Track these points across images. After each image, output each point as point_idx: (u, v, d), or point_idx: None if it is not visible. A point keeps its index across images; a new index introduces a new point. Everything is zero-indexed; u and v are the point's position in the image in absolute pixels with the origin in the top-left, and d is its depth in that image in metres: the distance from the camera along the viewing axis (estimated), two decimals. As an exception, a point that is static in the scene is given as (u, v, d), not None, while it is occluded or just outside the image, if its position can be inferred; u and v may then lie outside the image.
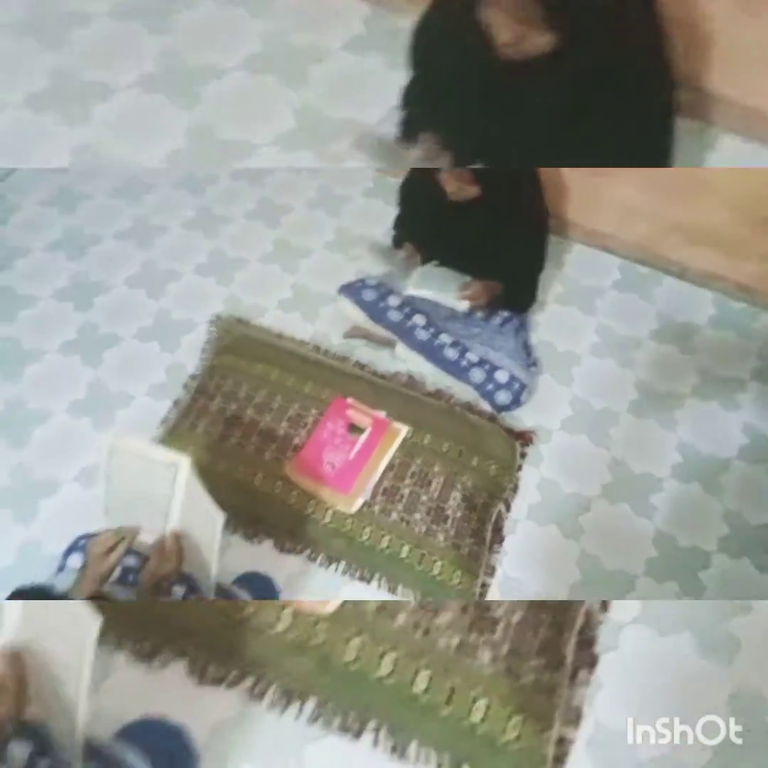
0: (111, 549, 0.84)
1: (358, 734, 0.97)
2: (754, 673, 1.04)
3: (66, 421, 1.34)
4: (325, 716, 0.97)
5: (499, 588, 1.16)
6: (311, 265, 1.59)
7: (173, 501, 0.85)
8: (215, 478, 1.16)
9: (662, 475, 1.30)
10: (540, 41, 0.80)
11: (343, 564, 1.14)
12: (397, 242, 1.36)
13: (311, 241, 1.64)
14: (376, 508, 1.15)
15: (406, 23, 1.02)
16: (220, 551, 0.91)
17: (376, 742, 0.96)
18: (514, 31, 0.79)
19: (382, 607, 1.05)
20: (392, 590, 1.13)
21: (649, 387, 1.42)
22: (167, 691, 1.01)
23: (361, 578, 1.14)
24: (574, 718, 0.98)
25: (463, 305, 1.26)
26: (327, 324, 1.48)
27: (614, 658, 1.05)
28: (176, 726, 0.91)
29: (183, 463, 0.83)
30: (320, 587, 1.14)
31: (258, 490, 1.16)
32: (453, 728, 0.96)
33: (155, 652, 1.02)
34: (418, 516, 1.14)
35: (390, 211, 1.50)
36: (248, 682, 1.00)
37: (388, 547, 1.12)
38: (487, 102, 0.90)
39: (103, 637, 0.69)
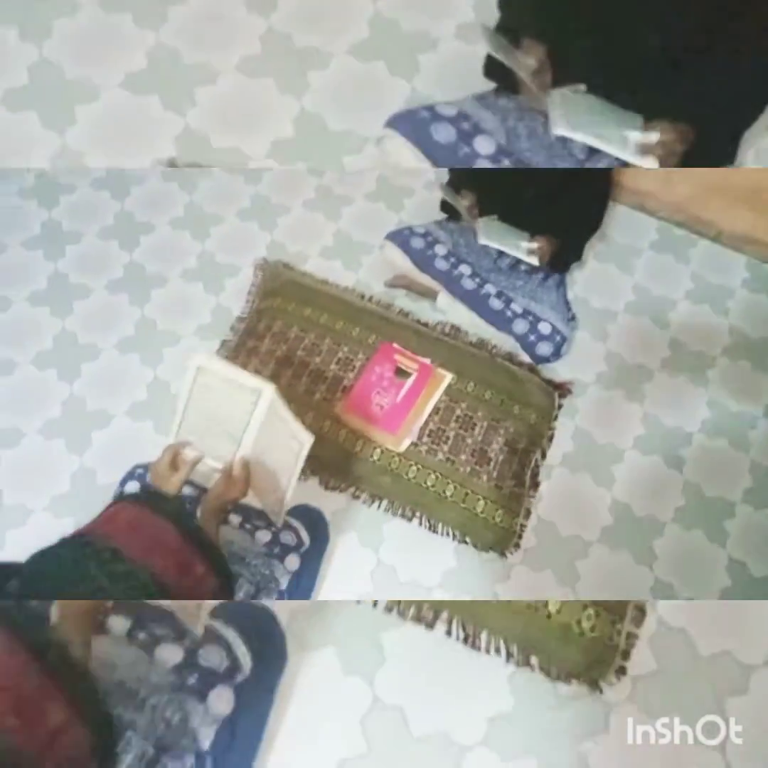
0: (174, 467, 0.86)
1: (431, 624, 1.06)
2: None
3: (115, 356, 1.38)
4: (401, 606, 1.06)
5: (534, 530, 1.22)
6: (353, 213, 1.60)
7: (249, 428, 0.88)
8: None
9: (692, 430, 1.35)
10: None
11: (385, 502, 1.20)
12: (454, 186, 1.33)
13: (351, 189, 1.64)
14: (423, 449, 1.19)
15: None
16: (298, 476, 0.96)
17: (449, 632, 1.05)
18: None
19: (430, 449, 1.21)
20: (433, 528, 1.19)
21: (681, 345, 1.46)
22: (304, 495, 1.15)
23: (403, 516, 1.20)
24: (639, 615, 1.08)
25: (534, 260, 1.26)
26: (368, 273, 1.51)
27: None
28: (267, 609, 0.97)
29: (266, 391, 0.86)
30: (362, 524, 1.20)
31: (309, 428, 1.20)
32: (530, 618, 1.04)
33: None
34: (463, 457, 1.19)
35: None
36: (352, 489, 1.19)
37: (433, 485, 1.17)
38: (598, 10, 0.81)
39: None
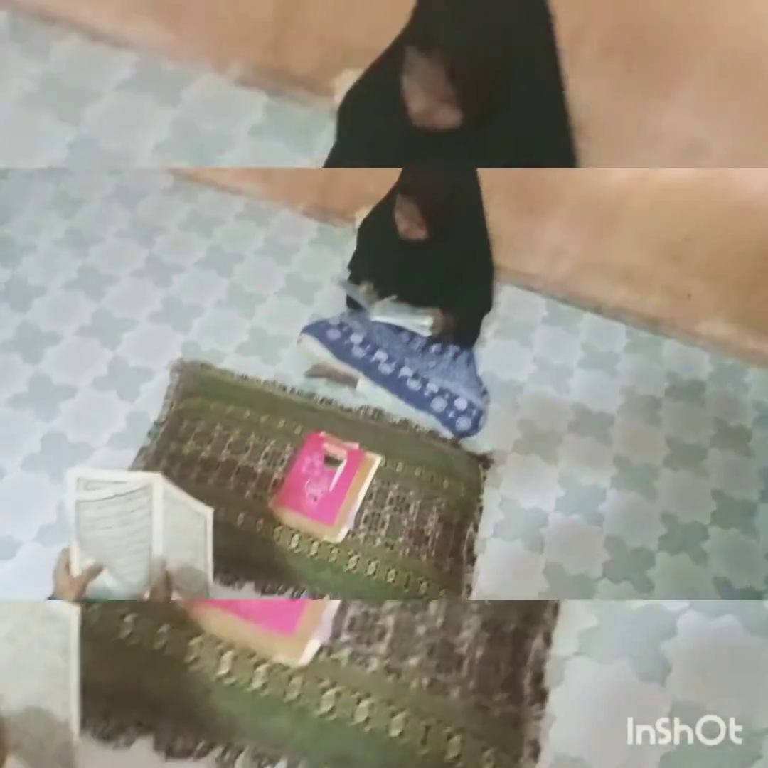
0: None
1: None
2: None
3: (21, 475, 1.29)
4: None
5: (477, 603, 1.23)
6: (266, 309, 1.65)
7: (153, 528, 0.83)
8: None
9: (605, 486, 1.45)
10: (450, 117, 0.81)
11: (326, 598, 1.17)
12: (354, 279, 1.44)
13: (262, 287, 1.69)
14: (361, 536, 1.19)
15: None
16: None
17: None
18: (425, 103, 0.80)
19: (355, 654, 0.98)
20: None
21: (584, 408, 1.59)
22: None
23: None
24: (534, 751, 0.96)
25: (426, 330, 1.35)
26: (287, 366, 1.53)
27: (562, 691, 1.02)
28: None
29: (156, 483, 0.81)
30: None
31: (240, 529, 1.17)
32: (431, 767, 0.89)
33: (120, 730, 0.91)
34: (401, 540, 1.20)
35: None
36: (217, 751, 0.91)
37: (374, 573, 1.16)
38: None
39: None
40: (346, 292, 1.41)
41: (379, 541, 1.19)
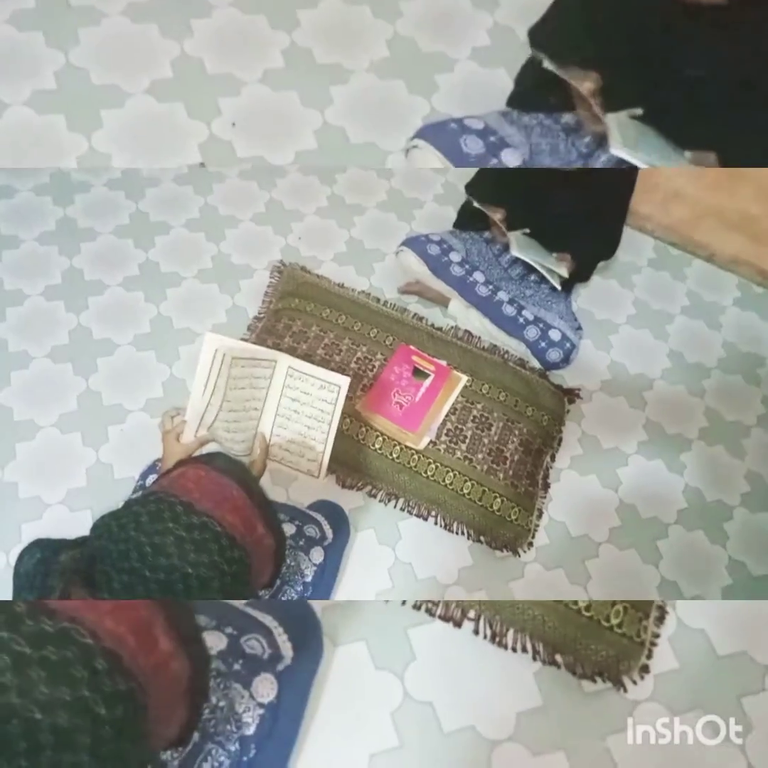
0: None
1: (459, 623, 1.07)
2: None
3: (131, 353, 1.38)
4: (429, 604, 1.08)
5: (545, 530, 1.25)
6: (365, 222, 1.65)
7: (267, 400, 0.92)
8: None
9: (691, 437, 1.41)
10: None
11: (401, 500, 1.22)
12: (480, 199, 1.35)
13: (363, 199, 1.69)
14: (442, 447, 1.22)
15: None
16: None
17: (476, 631, 1.07)
18: None
19: (448, 447, 1.25)
20: (448, 527, 1.21)
21: (680, 357, 1.53)
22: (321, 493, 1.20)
23: (418, 515, 1.22)
24: (539, 514, 1.23)
25: (564, 271, 1.29)
26: (380, 279, 1.55)
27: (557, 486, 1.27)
28: (303, 600, 0.98)
29: (281, 359, 0.91)
30: (379, 522, 1.21)
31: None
32: (561, 613, 1.06)
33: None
34: (480, 456, 1.22)
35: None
36: (368, 487, 1.22)
37: (451, 483, 1.20)
38: (645, 43, 0.86)
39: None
40: (483, 209, 1.30)
41: (458, 454, 1.22)
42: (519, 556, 1.20)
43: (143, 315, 1.43)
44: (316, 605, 1.04)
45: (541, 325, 1.37)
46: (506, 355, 1.40)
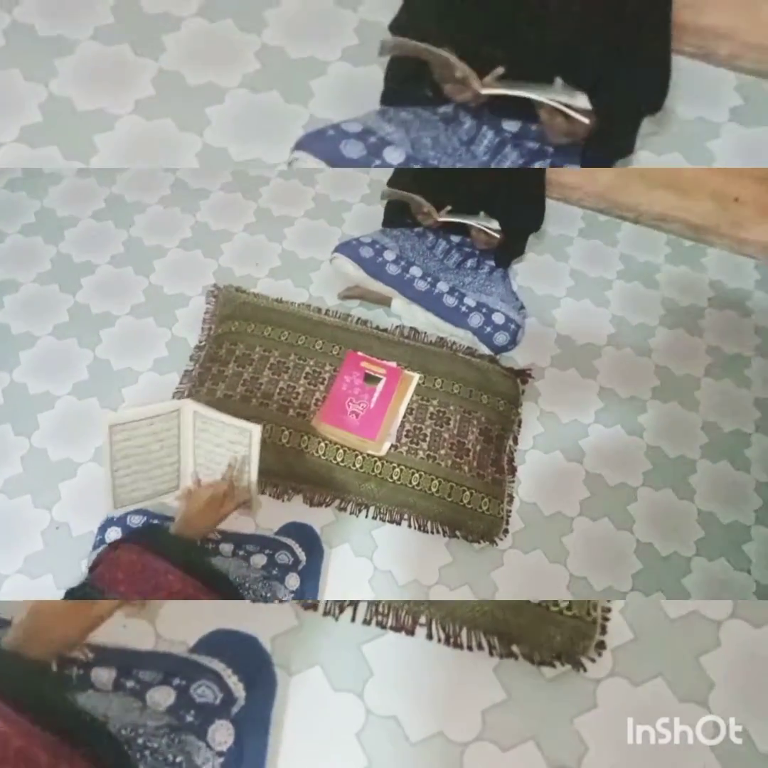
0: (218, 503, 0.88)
1: (411, 630, 1.06)
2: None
3: (73, 402, 1.33)
4: (379, 617, 1.06)
5: (518, 514, 1.26)
6: (295, 232, 1.62)
7: (182, 449, 0.95)
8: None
9: (645, 398, 1.44)
10: None
11: (372, 509, 1.21)
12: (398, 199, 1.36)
13: (291, 210, 1.66)
14: (403, 449, 1.21)
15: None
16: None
17: (430, 635, 1.06)
18: None
19: (410, 448, 1.25)
20: (422, 528, 1.20)
21: (623, 320, 1.55)
22: (222, 612, 1.03)
23: (391, 520, 1.21)
24: (510, 499, 1.23)
25: (493, 235, 1.29)
26: (319, 288, 1.52)
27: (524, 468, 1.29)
28: (246, 633, 0.96)
29: (185, 407, 0.92)
30: (353, 535, 1.20)
31: (286, 447, 1.20)
32: (507, 605, 1.05)
33: (284, 492, 1.22)
34: (442, 452, 1.22)
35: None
36: (337, 501, 1.21)
37: (418, 484, 1.19)
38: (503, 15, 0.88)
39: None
40: (401, 198, 1.29)
41: (421, 454, 1.21)
42: (496, 544, 1.21)
43: (79, 361, 1.38)
44: (265, 637, 1.02)
45: (483, 311, 1.37)
46: (454, 346, 1.39)
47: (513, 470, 1.29)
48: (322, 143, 1.05)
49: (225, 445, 0.93)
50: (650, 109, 1.07)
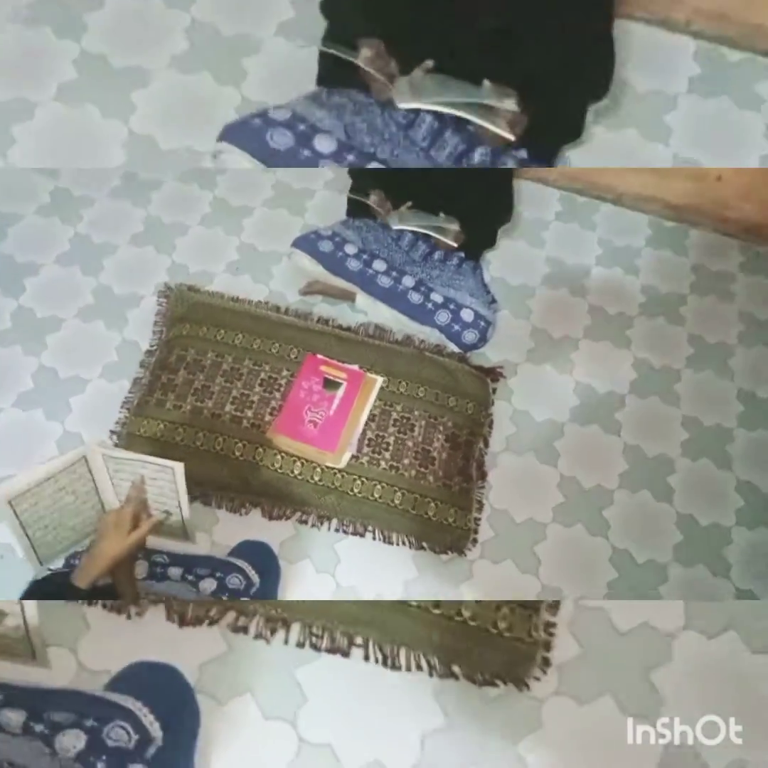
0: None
1: (347, 652, 1.01)
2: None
3: (17, 414, 1.25)
4: (313, 638, 1.01)
5: (489, 521, 1.20)
6: (255, 223, 1.53)
7: (99, 490, 0.89)
8: (193, 453, 1.13)
9: (623, 392, 1.37)
10: None
11: (335, 521, 1.15)
12: (360, 189, 1.28)
13: (249, 199, 1.56)
14: (365, 460, 1.15)
15: None
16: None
17: (366, 657, 1.01)
18: None
19: (371, 459, 1.18)
20: (387, 540, 1.15)
21: (601, 310, 1.48)
22: (149, 638, 1.00)
23: (355, 533, 1.15)
24: (479, 507, 1.16)
25: (452, 236, 1.20)
26: (280, 283, 1.44)
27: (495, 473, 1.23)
28: (168, 665, 0.91)
29: (90, 453, 0.85)
30: (314, 550, 1.14)
31: (240, 460, 1.13)
32: (445, 627, 0.99)
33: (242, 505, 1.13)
34: (406, 462, 1.15)
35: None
36: (229, 617, 1.03)
37: (380, 496, 1.13)
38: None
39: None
40: (357, 197, 1.20)
41: (383, 464, 1.15)
42: (465, 555, 1.15)
43: (23, 370, 1.30)
44: (192, 665, 0.97)
45: (451, 307, 1.30)
46: (422, 344, 1.32)
47: (483, 475, 1.23)
48: (247, 133, 0.96)
49: (147, 481, 0.87)
50: (594, 97, 1.03)
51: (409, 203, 1.20)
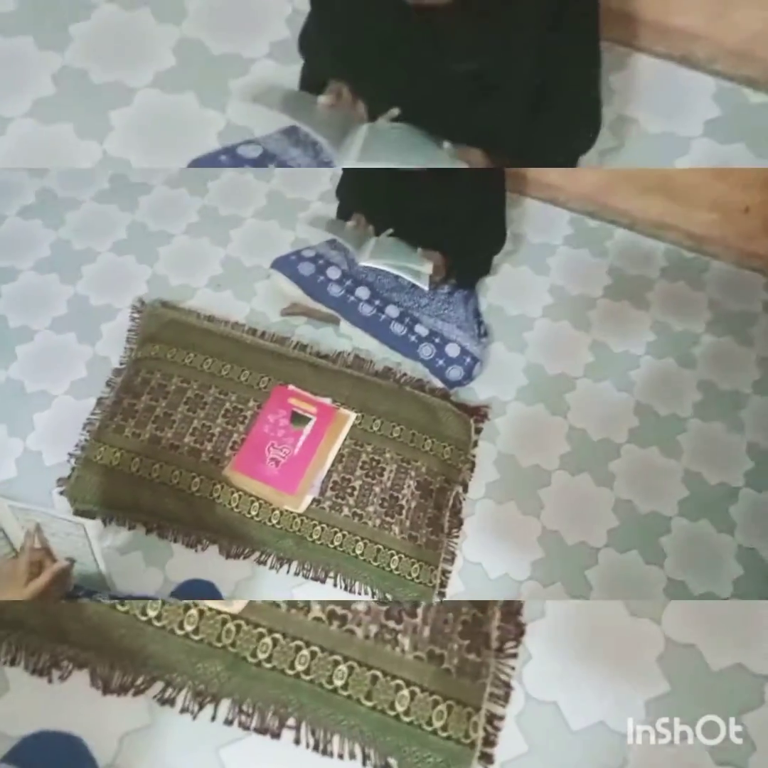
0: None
1: (277, 733, 0.94)
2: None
3: (-22, 430, 1.21)
4: (242, 716, 0.93)
5: (460, 575, 1.12)
6: (243, 235, 1.46)
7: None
8: (148, 485, 1.07)
9: (620, 440, 1.27)
10: None
11: (295, 564, 1.08)
12: (345, 211, 1.20)
13: (239, 209, 1.49)
14: (326, 505, 1.08)
15: None
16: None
17: (297, 740, 0.93)
18: None
19: (334, 504, 1.10)
20: (349, 588, 1.08)
21: (605, 348, 1.37)
22: (70, 704, 0.94)
23: (315, 578, 1.08)
24: (503, 694, 0.98)
25: (425, 279, 1.09)
26: (263, 302, 1.37)
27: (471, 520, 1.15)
28: (71, 736, 0.85)
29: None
30: (273, 590, 1.08)
31: (195, 496, 1.07)
32: (377, 721, 0.92)
33: (54, 663, 0.95)
34: (371, 509, 1.08)
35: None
36: (157, 687, 0.95)
37: (340, 545, 1.06)
38: (397, 46, 0.78)
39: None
40: (328, 231, 1.10)
41: (346, 511, 1.07)
42: (430, 611, 1.07)
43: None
44: (112, 736, 0.91)
45: (436, 341, 1.21)
46: (403, 378, 1.24)
47: (459, 523, 1.15)
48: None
49: (59, 534, 0.81)
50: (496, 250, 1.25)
51: (390, 231, 1.11)
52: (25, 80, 1.06)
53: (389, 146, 0.81)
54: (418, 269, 1.07)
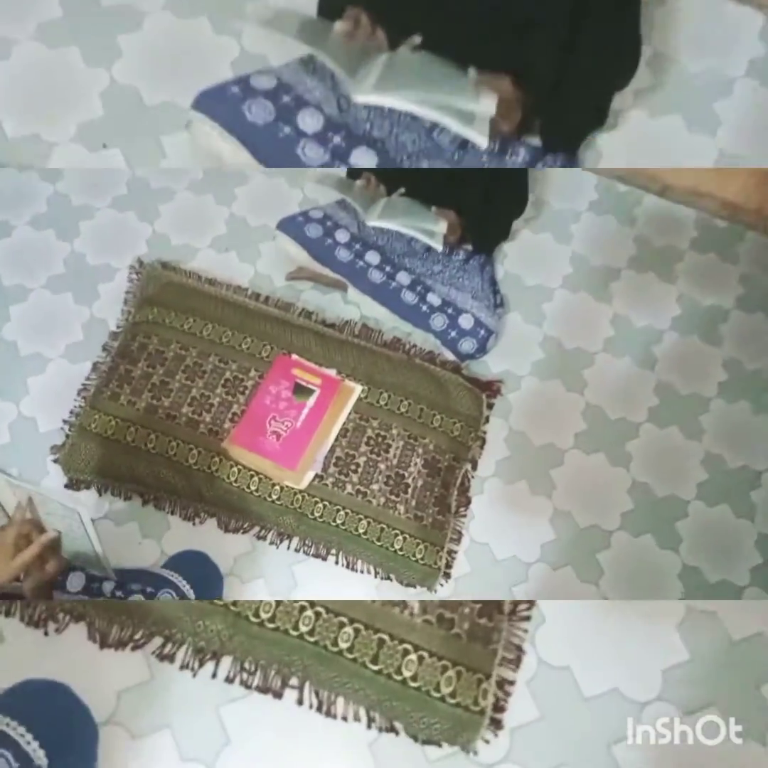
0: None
1: (280, 693, 0.92)
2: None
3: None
4: (244, 675, 0.92)
5: (466, 555, 1.08)
6: (249, 193, 1.38)
7: None
8: (144, 456, 1.03)
9: (639, 420, 1.21)
10: None
11: (295, 540, 1.05)
12: (354, 171, 1.11)
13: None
14: (329, 481, 1.03)
15: None
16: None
17: (300, 701, 0.92)
18: None
19: (337, 481, 1.06)
20: (351, 566, 1.05)
21: (626, 321, 1.30)
22: (66, 657, 0.93)
23: (316, 555, 1.05)
24: (515, 658, 0.96)
25: (438, 239, 1.01)
26: (268, 264, 1.30)
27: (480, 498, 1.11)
28: (56, 683, 0.81)
29: None
30: (273, 566, 1.05)
31: (193, 469, 1.03)
32: (382, 685, 0.90)
33: (50, 615, 0.94)
34: (375, 487, 1.03)
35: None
36: (156, 643, 0.94)
37: (343, 523, 1.02)
38: None
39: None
40: (337, 190, 1.02)
41: (349, 488, 1.03)
42: (435, 592, 1.04)
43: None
44: (109, 691, 0.90)
45: (449, 311, 1.15)
46: (413, 350, 1.18)
47: (467, 502, 1.10)
48: (222, 103, 0.83)
49: (55, 514, 0.77)
50: (612, 87, 0.91)
51: (402, 190, 1.03)
52: (32, 2, 0.99)
53: (410, 76, 0.71)
54: (431, 229, 1.00)
